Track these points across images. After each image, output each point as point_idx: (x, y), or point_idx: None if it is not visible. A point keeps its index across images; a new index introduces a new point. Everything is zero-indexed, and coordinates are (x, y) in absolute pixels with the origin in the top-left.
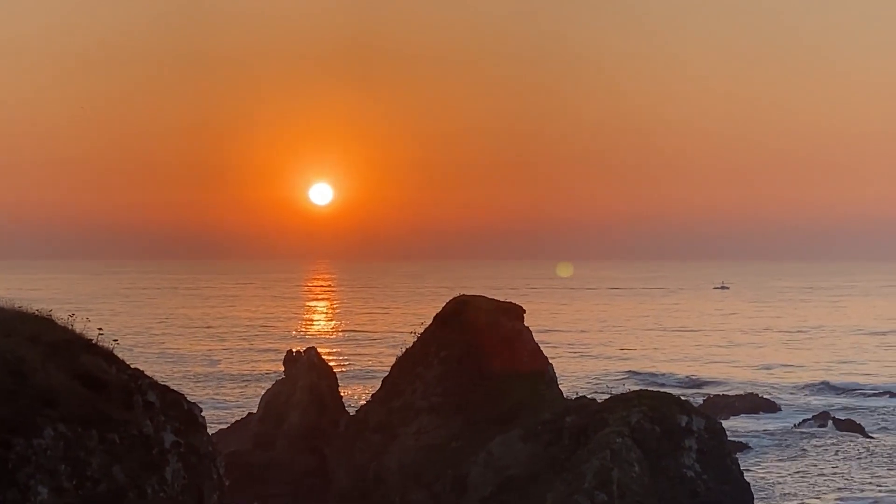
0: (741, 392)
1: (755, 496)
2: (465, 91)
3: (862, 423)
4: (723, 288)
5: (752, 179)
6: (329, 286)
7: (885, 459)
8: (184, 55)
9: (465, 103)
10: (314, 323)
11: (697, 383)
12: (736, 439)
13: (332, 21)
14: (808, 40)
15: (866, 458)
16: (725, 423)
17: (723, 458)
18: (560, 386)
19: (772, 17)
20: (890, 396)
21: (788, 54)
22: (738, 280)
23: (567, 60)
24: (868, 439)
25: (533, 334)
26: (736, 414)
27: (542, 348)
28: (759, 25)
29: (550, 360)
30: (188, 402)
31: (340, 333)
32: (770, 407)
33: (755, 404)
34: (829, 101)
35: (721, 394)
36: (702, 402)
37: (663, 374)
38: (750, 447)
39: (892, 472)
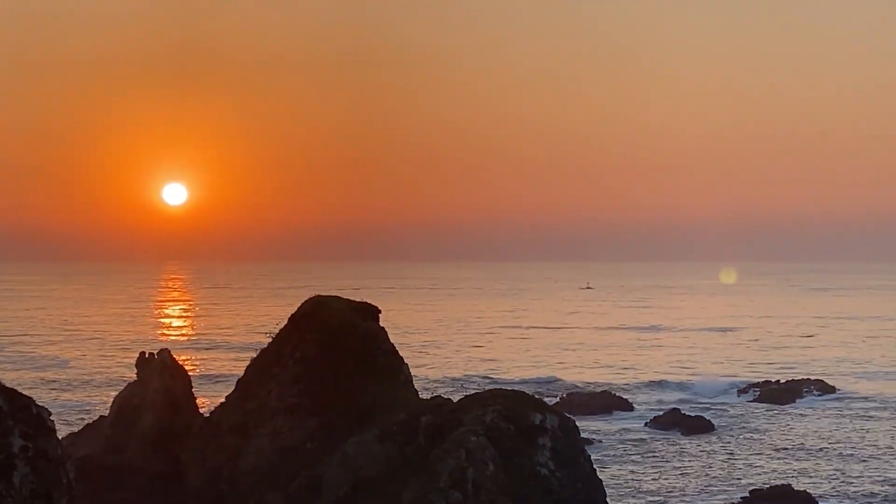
0: (595, 390)
1: (608, 493)
2: (322, 91)
3: (711, 421)
4: (588, 288)
5: (614, 180)
6: (183, 288)
7: (733, 456)
8: (30, 56)
9: (322, 104)
10: (168, 325)
11: (552, 382)
12: (589, 437)
13: (181, 21)
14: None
15: (716, 454)
16: (579, 422)
17: (576, 455)
18: (415, 386)
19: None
20: (739, 393)
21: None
22: (603, 281)
23: (422, 62)
24: (717, 436)
25: (388, 334)
26: (590, 412)
27: (397, 348)
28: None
29: (406, 360)
30: (37, 406)
31: (195, 335)
32: (623, 405)
33: (609, 402)
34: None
35: (575, 392)
36: (556, 400)
37: (519, 373)
38: (603, 444)
39: (740, 469)
